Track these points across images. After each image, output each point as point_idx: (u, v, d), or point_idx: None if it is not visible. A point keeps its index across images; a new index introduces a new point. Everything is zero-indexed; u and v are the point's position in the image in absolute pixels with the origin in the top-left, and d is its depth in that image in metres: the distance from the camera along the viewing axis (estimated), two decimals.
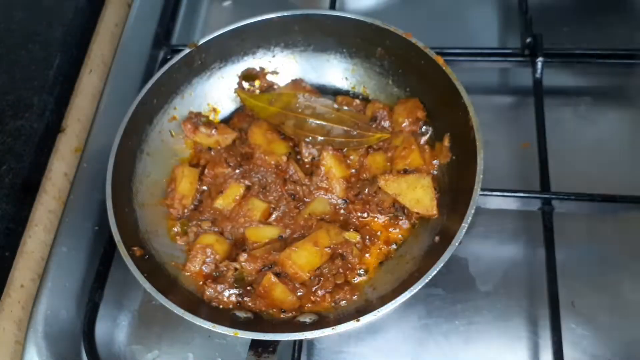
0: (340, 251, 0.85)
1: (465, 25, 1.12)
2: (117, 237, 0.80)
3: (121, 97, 1.04)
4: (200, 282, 0.85)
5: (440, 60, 0.88)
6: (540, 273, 0.83)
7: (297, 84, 1.03)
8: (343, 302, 0.82)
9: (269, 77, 1.04)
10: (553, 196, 0.86)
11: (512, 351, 0.81)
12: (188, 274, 0.86)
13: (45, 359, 0.84)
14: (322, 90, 1.03)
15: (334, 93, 1.02)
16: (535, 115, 0.94)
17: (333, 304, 0.82)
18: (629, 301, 0.82)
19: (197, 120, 0.98)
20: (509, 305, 0.84)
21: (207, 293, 0.83)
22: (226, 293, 0.83)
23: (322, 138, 0.94)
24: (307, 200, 0.92)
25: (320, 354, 0.83)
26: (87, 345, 0.83)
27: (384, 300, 0.73)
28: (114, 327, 0.88)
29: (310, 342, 0.84)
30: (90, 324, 0.85)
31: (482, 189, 0.77)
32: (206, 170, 0.95)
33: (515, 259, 0.87)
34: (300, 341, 0.80)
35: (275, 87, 1.04)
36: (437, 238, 0.82)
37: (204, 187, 0.95)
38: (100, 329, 0.87)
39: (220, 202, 0.92)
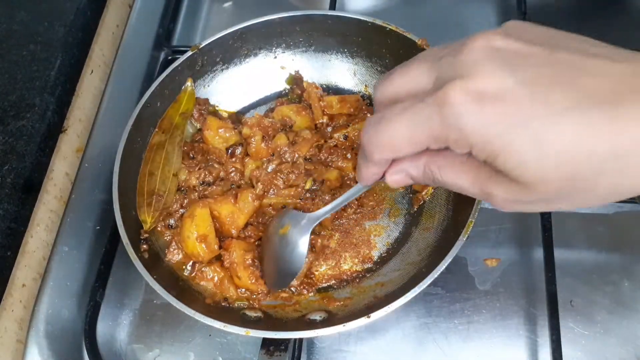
0: None
1: (464, 25, 1.12)
2: (125, 240, 0.80)
3: (122, 97, 1.05)
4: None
5: None
6: (539, 272, 0.84)
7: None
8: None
9: None
10: None
11: (510, 350, 0.81)
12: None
13: (47, 358, 0.84)
14: (324, 90, 1.03)
15: (335, 92, 1.03)
16: None
17: (341, 303, 0.82)
18: (628, 300, 0.83)
19: (204, 108, 0.98)
20: (508, 305, 0.84)
21: (185, 273, 0.85)
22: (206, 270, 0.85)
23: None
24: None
25: (320, 352, 0.83)
26: (89, 344, 0.83)
27: (392, 296, 0.74)
28: (115, 326, 0.88)
29: (311, 341, 0.84)
30: (92, 323, 0.85)
31: None
32: None
33: (514, 259, 0.88)
34: (301, 340, 0.80)
35: None
36: (442, 234, 0.82)
37: None
38: (102, 327, 0.87)
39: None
